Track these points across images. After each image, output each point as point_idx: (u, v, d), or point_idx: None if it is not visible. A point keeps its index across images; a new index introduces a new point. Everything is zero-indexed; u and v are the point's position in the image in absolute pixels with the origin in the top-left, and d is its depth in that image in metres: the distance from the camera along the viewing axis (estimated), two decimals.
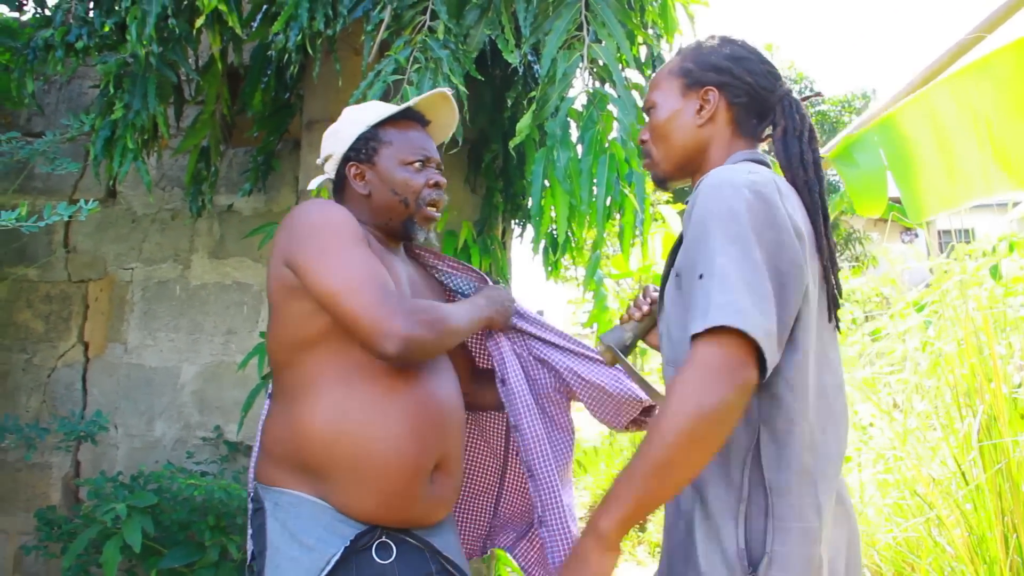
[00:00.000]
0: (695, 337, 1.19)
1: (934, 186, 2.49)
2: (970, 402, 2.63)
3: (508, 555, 2.06)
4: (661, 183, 1.60)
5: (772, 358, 1.18)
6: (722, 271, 1.21)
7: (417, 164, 1.75)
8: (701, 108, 1.49)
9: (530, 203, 3.50)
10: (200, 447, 3.68)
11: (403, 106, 1.79)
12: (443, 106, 1.87)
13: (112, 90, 2.95)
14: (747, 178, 1.30)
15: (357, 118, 1.78)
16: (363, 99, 2.49)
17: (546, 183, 2.48)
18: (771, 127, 1.50)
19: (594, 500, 6.33)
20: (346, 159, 1.76)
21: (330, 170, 1.80)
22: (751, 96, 1.49)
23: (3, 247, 3.78)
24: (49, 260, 3.92)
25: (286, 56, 2.71)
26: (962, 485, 2.59)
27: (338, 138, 1.78)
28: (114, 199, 3.96)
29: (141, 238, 3.94)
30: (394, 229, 1.76)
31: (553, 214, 2.61)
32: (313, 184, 1.83)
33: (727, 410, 1.15)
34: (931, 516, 2.64)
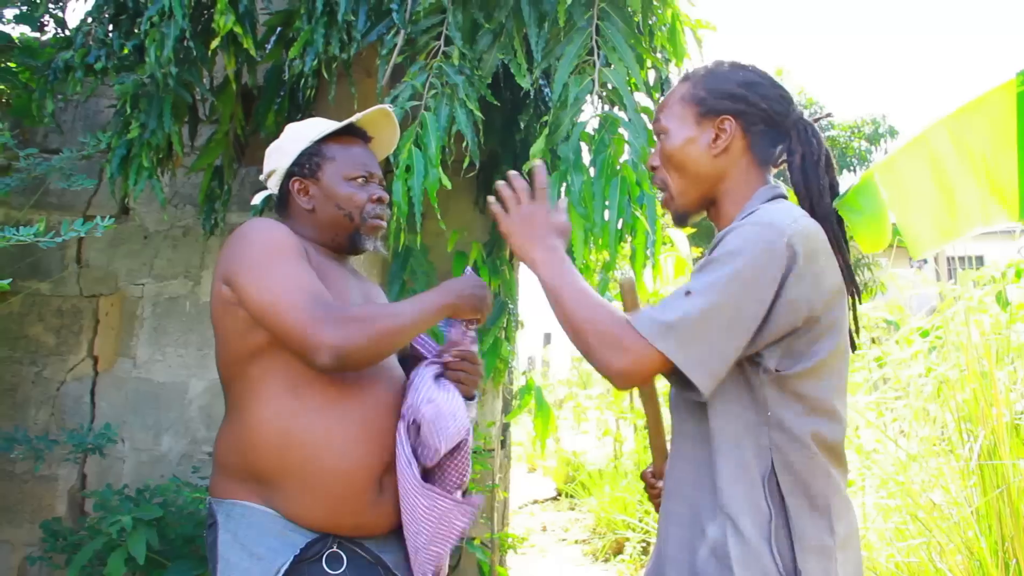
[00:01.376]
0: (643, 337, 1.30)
1: (934, 220, 2.59)
2: (972, 428, 2.65)
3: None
4: (681, 219, 1.57)
5: (703, 386, 1.28)
6: (703, 306, 1.28)
7: (360, 179, 1.76)
8: (717, 137, 1.46)
9: None
10: (206, 462, 3.70)
11: (345, 122, 1.80)
12: (384, 123, 1.88)
13: (129, 110, 3.01)
14: (792, 227, 1.32)
15: (300, 134, 1.79)
16: None
17: None
18: (787, 153, 1.49)
19: (597, 524, 6.32)
20: (290, 174, 1.76)
21: (273, 186, 1.80)
22: (766, 122, 1.47)
23: (17, 261, 3.82)
24: (62, 275, 3.96)
25: (303, 80, 2.76)
26: (963, 510, 2.60)
27: (282, 153, 1.78)
28: (127, 216, 4.01)
29: (152, 254, 3.99)
30: (340, 243, 1.78)
31: None
32: (257, 199, 1.86)
33: (601, 364, 1.33)
34: (932, 541, 2.65)
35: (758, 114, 1.47)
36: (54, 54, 3.11)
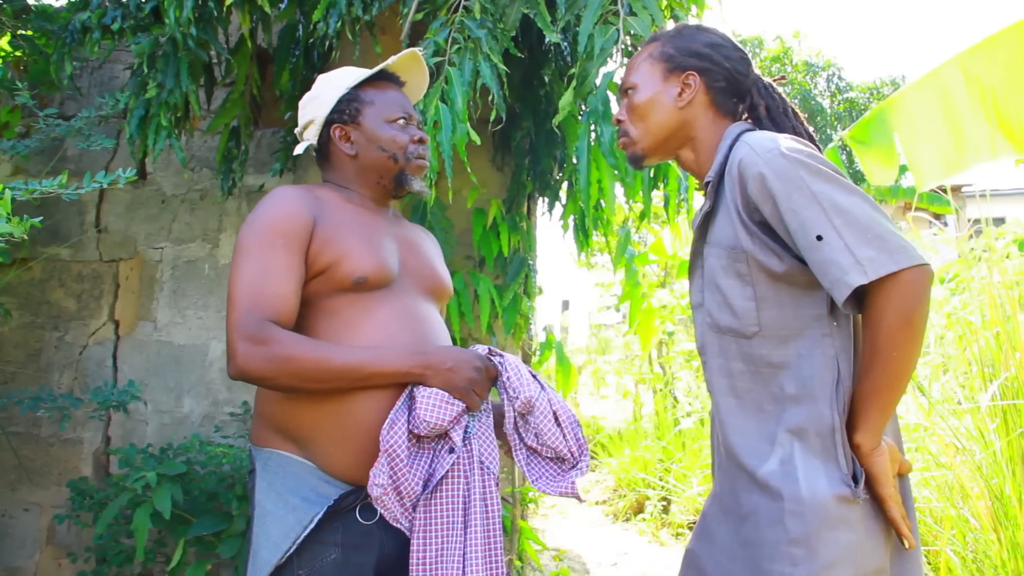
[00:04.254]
0: (868, 286, 1.33)
1: (942, 153, 2.71)
2: (995, 372, 2.65)
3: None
4: (637, 161, 1.71)
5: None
6: (849, 225, 1.34)
7: (401, 121, 1.78)
8: (682, 91, 1.62)
9: (556, 176, 3.52)
10: (228, 423, 3.73)
11: (378, 68, 1.82)
12: (414, 66, 1.89)
13: (146, 70, 3.01)
14: (790, 142, 1.44)
15: (335, 82, 1.80)
16: None
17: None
18: (750, 108, 1.67)
19: (618, 484, 6.35)
20: (329, 122, 1.78)
21: (312, 136, 1.81)
22: (728, 80, 1.63)
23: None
24: (81, 239, 3.98)
25: (326, 42, 2.76)
26: (986, 452, 2.60)
27: (318, 103, 1.79)
28: (144, 180, 4.02)
29: (171, 218, 4.00)
30: (385, 186, 1.79)
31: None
32: (298, 149, 1.84)
33: (926, 312, 1.35)
34: (955, 487, 2.65)
35: (720, 72, 1.62)
36: (71, 17, 3.11)
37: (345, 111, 1.77)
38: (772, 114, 1.64)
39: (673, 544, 5.08)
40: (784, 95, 1.67)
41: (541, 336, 3.73)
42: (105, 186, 2.29)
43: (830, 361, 1.42)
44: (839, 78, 16.98)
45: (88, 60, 4.01)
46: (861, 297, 1.35)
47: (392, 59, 1.83)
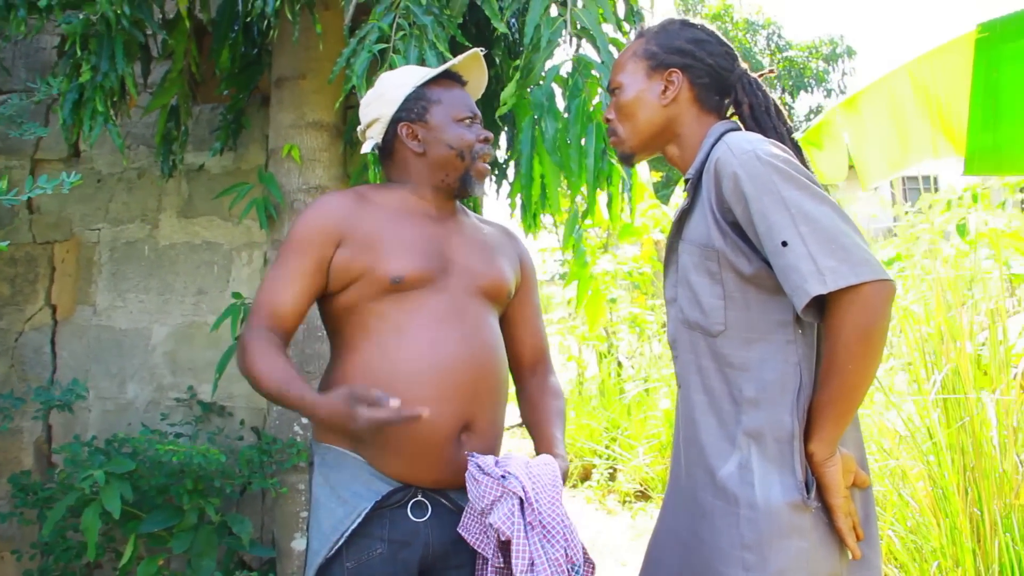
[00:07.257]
0: (828, 296, 1.34)
1: (887, 153, 2.87)
2: (936, 361, 2.73)
3: None
4: (627, 159, 1.73)
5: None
6: (816, 234, 1.35)
7: (467, 120, 1.80)
8: (666, 88, 1.63)
9: (508, 168, 3.50)
10: (174, 408, 3.68)
11: (444, 66, 1.84)
12: (475, 66, 1.92)
13: (78, 51, 2.88)
14: (768, 147, 1.44)
15: (401, 81, 1.82)
16: (347, 67, 2.48)
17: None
18: (735, 105, 1.68)
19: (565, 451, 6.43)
20: (396, 120, 1.79)
21: (376, 134, 1.83)
22: (712, 76, 1.64)
23: None
24: (13, 224, 3.84)
25: (264, 20, 2.67)
26: (927, 441, 2.69)
27: (384, 101, 1.81)
28: (78, 159, 3.89)
29: (107, 198, 3.88)
30: (450, 185, 1.81)
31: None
32: (365, 148, 1.87)
33: (885, 327, 1.36)
34: (896, 469, 2.74)
35: (704, 68, 1.63)
36: None
37: (412, 109, 1.79)
38: (755, 112, 1.65)
39: (620, 512, 5.18)
40: (768, 92, 1.68)
41: None
42: (50, 191, 2.20)
43: (792, 368, 1.44)
44: (779, 36, 17.14)
45: (15, 35, 3.83)
46: (824, 306, 1.37)
47: (457, 59, 1.85)
